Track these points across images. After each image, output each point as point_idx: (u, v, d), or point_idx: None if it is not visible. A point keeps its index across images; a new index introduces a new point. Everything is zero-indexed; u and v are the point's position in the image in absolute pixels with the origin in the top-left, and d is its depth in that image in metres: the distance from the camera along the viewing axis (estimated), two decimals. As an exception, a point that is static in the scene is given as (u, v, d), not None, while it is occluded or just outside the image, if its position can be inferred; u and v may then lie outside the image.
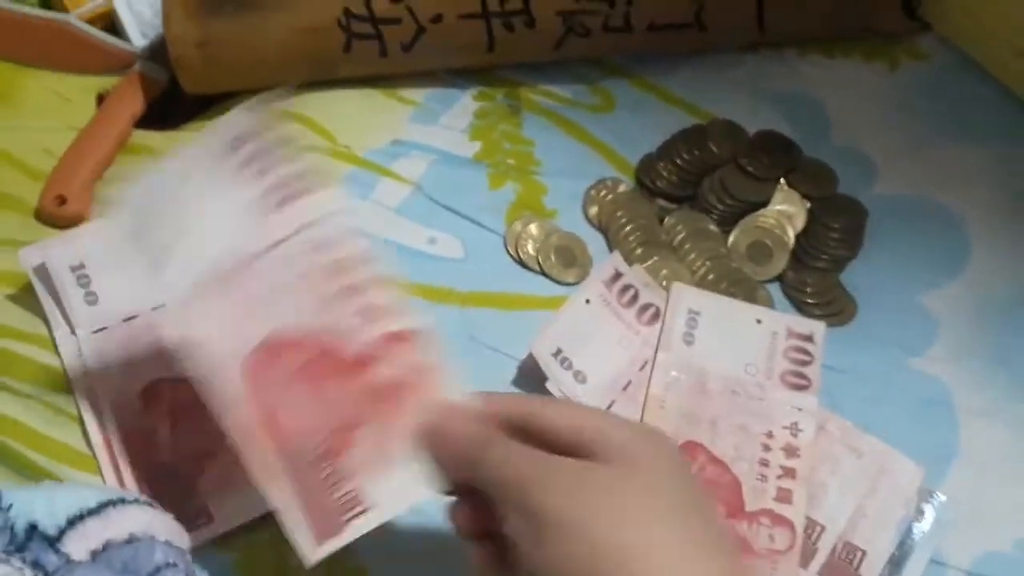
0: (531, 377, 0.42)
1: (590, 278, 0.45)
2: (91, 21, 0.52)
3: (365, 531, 0.32)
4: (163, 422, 0.40)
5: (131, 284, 0.43)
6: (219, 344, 0.31)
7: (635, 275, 0.45)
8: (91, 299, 0.43)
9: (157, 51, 0.52)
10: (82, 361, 0.42)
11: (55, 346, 0.42)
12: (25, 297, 0.44)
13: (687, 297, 0.44)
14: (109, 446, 0.40)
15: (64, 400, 0.41)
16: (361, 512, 0.32)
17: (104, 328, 0.42)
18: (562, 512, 0.27)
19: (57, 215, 0.47)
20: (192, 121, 0.52)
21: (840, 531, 0.38)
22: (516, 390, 0.43)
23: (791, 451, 0.40)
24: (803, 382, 0.41)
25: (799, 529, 0.38)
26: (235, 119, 0.33)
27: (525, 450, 0.29)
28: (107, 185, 0.49)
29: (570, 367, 0.42)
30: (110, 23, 0.53)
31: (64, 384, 0.42)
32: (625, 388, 0.42)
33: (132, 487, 0.39)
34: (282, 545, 0.38)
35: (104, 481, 0.39)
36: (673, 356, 0.43)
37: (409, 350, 0.32)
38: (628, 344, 0.43)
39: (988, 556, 0.39)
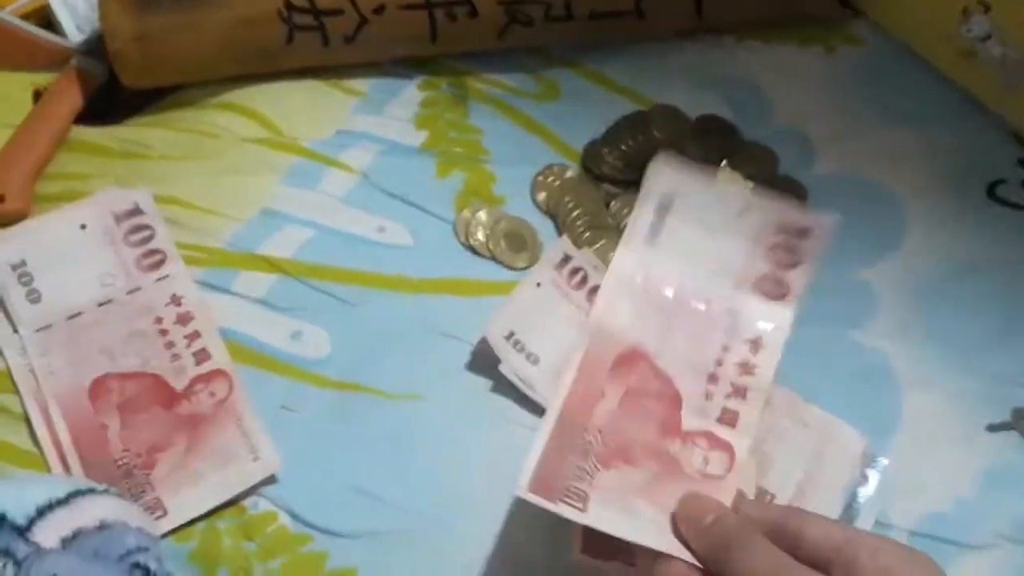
0: (485, 362, 0.43)
1: (540, 262, 0.45)
2: (25, 16, 0.51)
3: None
4: (112, 417, 0.40)
5: (74, 280, 0.42)
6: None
7: (584, 257, 0.45)
8: (33, 297, 0.42)
9: (94, 46, 0.51)
10: (26, 360, 0.41)
11: (-4, 346, 0.42)
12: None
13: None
14: (57, 445, 0.39)
15: (7, 399, 0.41)
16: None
17: (48, 326, 0.42)
18: None
19: (-5, 213, 0.46)
20: (132, 116, 0.51)
21: (789, 498, 0.39)
22: (470, 374, 0.43)
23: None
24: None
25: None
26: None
27: (778, 553, 0.30)
28: (46, 182, 0.48)
29: (523, 349, 0.42)
30: (45, 18, 0.52)
31: (6, 383, 0.41)
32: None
33: (83, 485, 0.38)
34: (239, 533, 0.38)
35: (52, 479, 0.38)
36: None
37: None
38: (579, 324, 0.44)
39: (930, 516, 0.41)
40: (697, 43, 0.55)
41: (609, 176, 0.50)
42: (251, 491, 0.39)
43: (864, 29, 0.57)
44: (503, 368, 0.42)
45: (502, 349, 0.42)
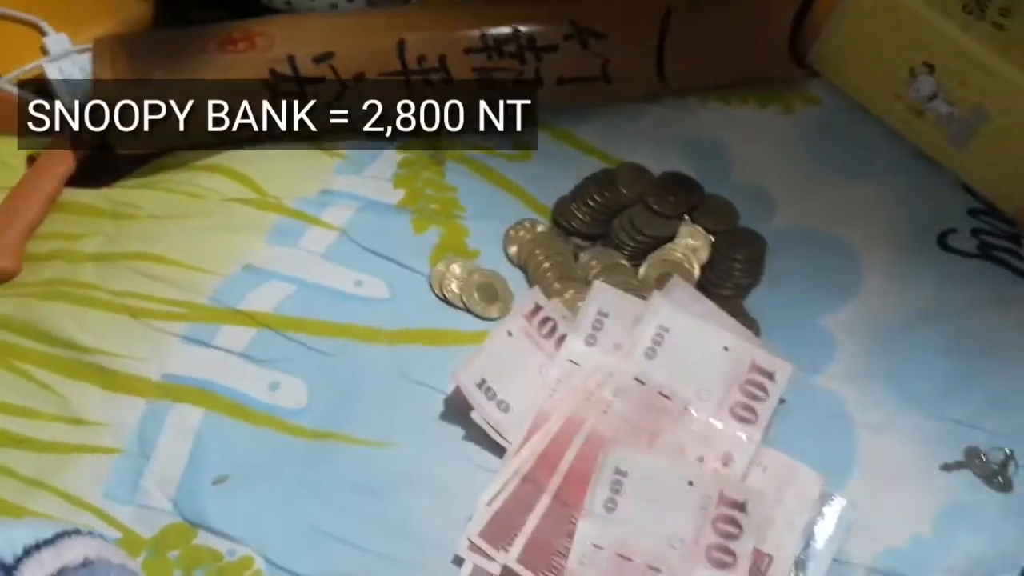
0: (457, 409, 0.44)
1: (512, 312, 0.47)
2: (22, 84, 0.54)
3: None
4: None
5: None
6: None
7: (553, 308, 0.47)
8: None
9: (89, 113, 0.53)
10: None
11: None
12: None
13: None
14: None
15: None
16: None
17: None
18: None
19: (-12, 272, 0.48)
20: (123, 179, 0.53)
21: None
22: (443, 422, 0.45)
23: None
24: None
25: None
26: None
27: None
28: (38, 242, 0.50)
29: (494, 397, 0.44)
30: (41, 86, 0.55)
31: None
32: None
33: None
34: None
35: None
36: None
37: None
38: (547, 372, 0.45)
39: (887, 552, 0.42)
40: (662, 106, 0.58)
41: (578, 230, 0.52)
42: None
43: (821, 89, 0.59)
44: (475, 415, 0.43)
45: (474, 396, 0.43)
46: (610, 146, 0.56)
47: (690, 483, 0.41)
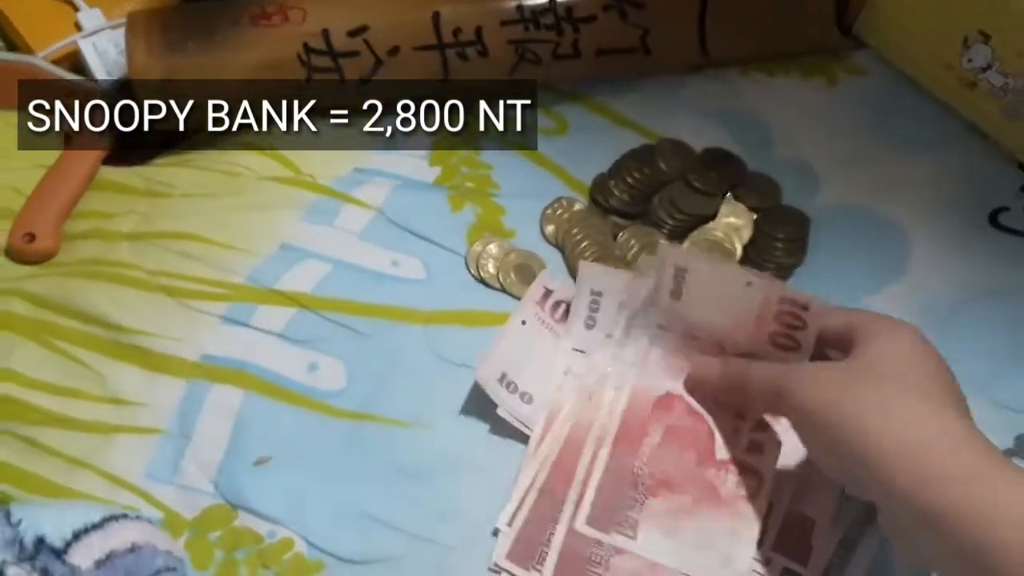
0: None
1: (523, 300, 0.46)
2: (57, 61, 0.54)
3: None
4: (657, 432, 0.42)
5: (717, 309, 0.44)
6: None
7: (563, 290, 0.46)
8: (676, 294, 0.44)
9: (123, 88, 0.53)
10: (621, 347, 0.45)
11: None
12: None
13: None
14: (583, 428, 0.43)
15: (36, 432, 0.42)
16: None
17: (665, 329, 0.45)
18: (806, 407, 0.36)
19: (26, 252, 0.49)
20: (159, 156, 0.53)
21: (786, 502, 0.41)
22: (480, 403, 0.44)
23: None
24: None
25: (768, 477, 0.41)
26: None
27: (775, 365, 0.40)
28: (74, 221, 0.51)
29: (516, 390, 0.43)
30: (76, 62, 0.54)
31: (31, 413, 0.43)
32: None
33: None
34: (256, 562, 0.40)
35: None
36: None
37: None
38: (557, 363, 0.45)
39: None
40: (702, 77, 0.56)
41: (616, 208, 0.51)
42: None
43: (867, 60, 0.58)
44: (500, 411, 0.43)
45: (496, 392, 0.43)
46: (648, 119, 0.55)
47: (748, 284, 0.42)
